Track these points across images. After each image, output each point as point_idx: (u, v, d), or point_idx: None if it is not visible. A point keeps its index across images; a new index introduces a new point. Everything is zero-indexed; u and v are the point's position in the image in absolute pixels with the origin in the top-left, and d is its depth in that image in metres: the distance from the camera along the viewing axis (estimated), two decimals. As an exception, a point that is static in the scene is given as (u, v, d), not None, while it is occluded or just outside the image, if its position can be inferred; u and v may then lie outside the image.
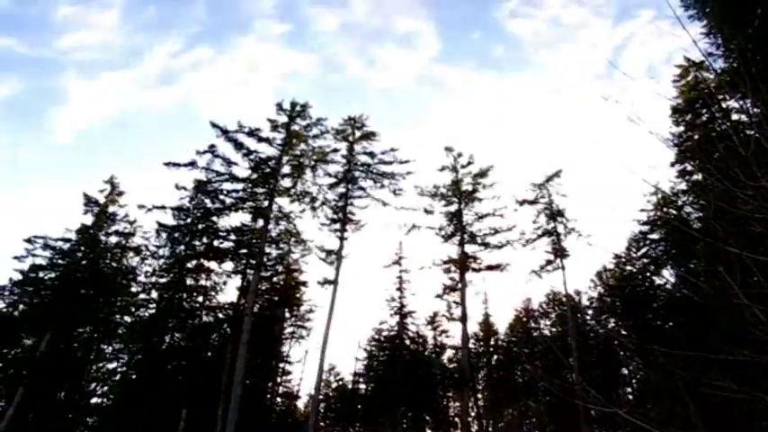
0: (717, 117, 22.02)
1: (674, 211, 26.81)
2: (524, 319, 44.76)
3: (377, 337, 42.56)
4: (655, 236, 29.99)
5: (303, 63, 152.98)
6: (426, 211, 33.35)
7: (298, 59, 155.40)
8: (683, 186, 25.68)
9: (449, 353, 43.51)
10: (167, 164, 26.81)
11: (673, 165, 25.54)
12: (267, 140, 28.39)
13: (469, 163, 33.99)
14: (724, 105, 19.83)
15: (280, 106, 29.44)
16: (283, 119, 29.36)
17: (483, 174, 33.33)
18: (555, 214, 33.47)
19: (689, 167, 24.78)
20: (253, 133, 27.98)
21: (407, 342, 40.86)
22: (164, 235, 30.49)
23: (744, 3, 13.38)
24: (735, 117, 17.86)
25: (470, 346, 37.93)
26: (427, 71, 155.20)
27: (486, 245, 33.33)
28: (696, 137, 24.43)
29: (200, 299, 32.84)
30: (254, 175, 28.32)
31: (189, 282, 32.36)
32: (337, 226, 30.68)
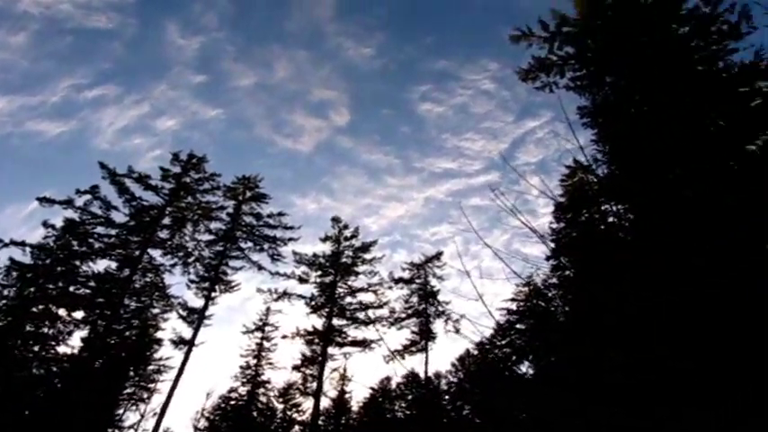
0: (595, 218, 25.97)
1: (542, 304, 30.99)
2: (380, 399, 47.43)
3: (223, 405, 43.19)
4: (521, 326, 34.17)
5: (211, 115, 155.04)
6: (301, 280, 35.41)
7: (206, 111, 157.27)
8: (554, 281, 30.04)
9: (296, 429, 45.12)
10: (41, 199, 27.20)
11: (548, 259, 29.79)
12: (154, 188, 29.52)
13: (353, 236, 36.76)
14: (603, 208, 23.65)
15: (176, 156, 30.83)
16: (177, 169, 30.77)
17: (365, 248, 36.08)
18: (428, 295, 36.59)
19: (562, 263, 29.15)
20: (141, 179, 29.05)
21: (255, 414, 41.99)
22: (14, 274, 30.08)
23: (626, 120, 15.73)
24: (610, 220, 21.67)
25: (320, 423, 40.09)
26: (333, 140, 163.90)
27: (354, 320, 35.48)
28: (574, 234, 28.88)
29: (36, 348, 32.18)
30: (132, 223, 29.33)
31: (29, 328, 31.72)
32: (206, 285, 31.96)
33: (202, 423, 43.27)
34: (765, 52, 14.36)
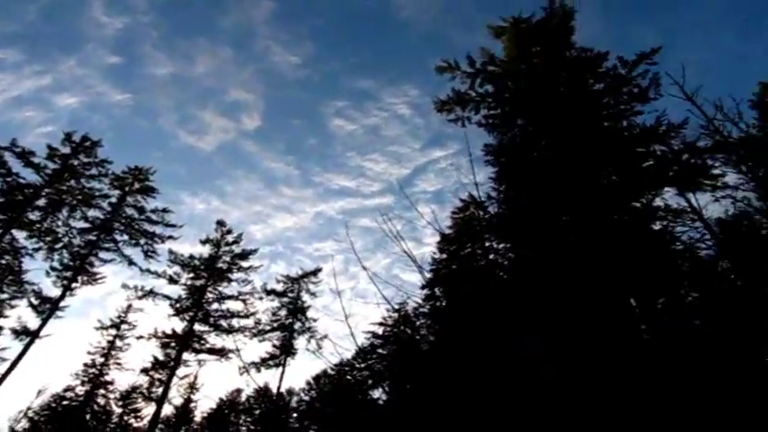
0: (478, 254, 26.92)
1: (409, 332, 32.20)
2: (226, 412, 46.81)
3: (54, 404, 40.58)
4: (383, 351, 35.40)
5: (117, 99, 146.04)
6: (171, 280, 34.58)
7: (113, 94, 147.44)
8: (426, 310, 31.48)
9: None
10: None
11: (423, 287, 31.26)
12: (36, 167, 27.84)
13: (235, 242, 36.51)
14: (487, 245, 22.51)
15: (68, 136, 29.19)
16: (66, 150, 29.14)
17: (244, 256, 35.96)
18: (297, 311, 36.99)
19: (436, 293, 30.49)
20: (24, 155, 27.27)
21: (89, 417, 39.92)
22: None
23: (527, 163, 17.03)
24: (492, 257, 20.68)
25: (157, 431, 39.07)
26: (237, 143, 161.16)
27: (217, 327, 34.97)
28: (453, 266, 30.35)
29: None
30: (2, 200, 27.40)
31: None
32: (69, 274, 30.35)
33: (23, 423, 40.41)
34: (665, 119, 16.34)
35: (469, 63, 18.94)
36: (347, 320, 8.54)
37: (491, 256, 19.98)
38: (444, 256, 28.98)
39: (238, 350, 35.06)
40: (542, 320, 11.62)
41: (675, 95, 18.00)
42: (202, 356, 35.08)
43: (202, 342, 34.94)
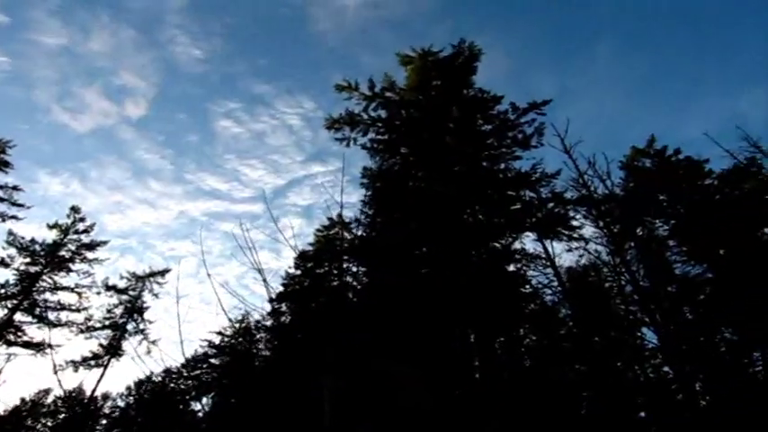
0: (333, 273, 25.33)
1: (246, 345, 31.84)
2: (24, 414, 43.23)
3: None
4: (216, 361, 35.02)
5: None
6: (2, 263, 32.44)
7: None
8: (268, 324, 31.85)
9: None
10: None
11: (270, 301, 31.69)
12: None
13: (85, 231, 34.76)
14: (345, 266, 21.98)
15: None
16: None
17: (92, 246, 34.34)
18: (134, 310, 36.12)
19: (281, 309, 30.79)
20: None
21: None
22: None
23: (400, 192, 17.81)
24: (346, 278, 20.56)
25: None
26: (115, 128, 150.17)
27: (42, 319, 32.82)
28: (305, 284, 30.64)
29: None
30: None
31: None
32: None
33: None
34: (541, 167, 18.06)
35: (369, 86, 19.90)
36: (179, 328, 8.52)
37: (345, 278, 19.92)
38: (299, 272, 28.29)
39: (51, 345, 32.71)
40: (391, 342, 12.42)
41: (555, 147, 19.45)
42: (15, 350, 32.43)
43: (20, 334, 32.54)
